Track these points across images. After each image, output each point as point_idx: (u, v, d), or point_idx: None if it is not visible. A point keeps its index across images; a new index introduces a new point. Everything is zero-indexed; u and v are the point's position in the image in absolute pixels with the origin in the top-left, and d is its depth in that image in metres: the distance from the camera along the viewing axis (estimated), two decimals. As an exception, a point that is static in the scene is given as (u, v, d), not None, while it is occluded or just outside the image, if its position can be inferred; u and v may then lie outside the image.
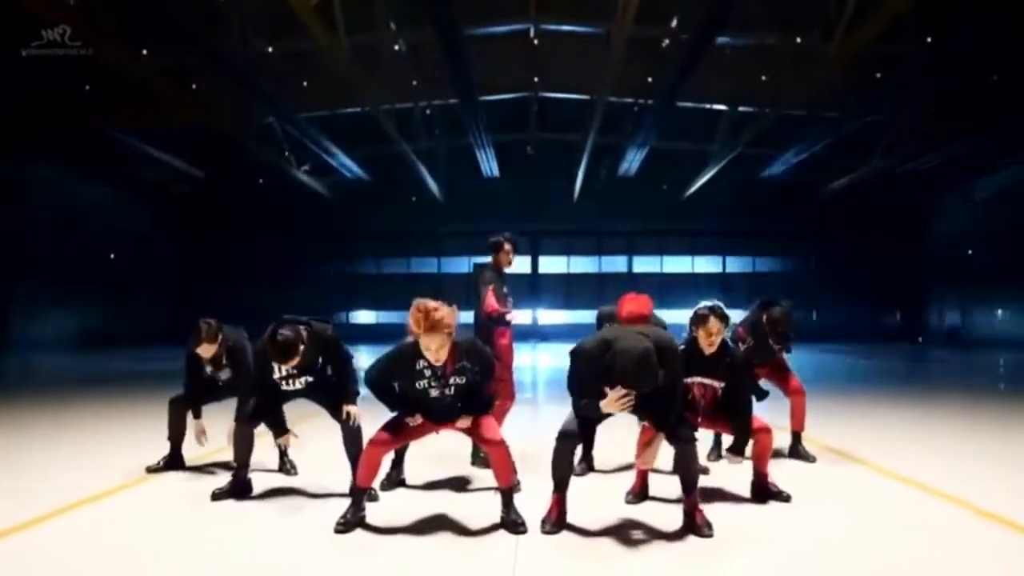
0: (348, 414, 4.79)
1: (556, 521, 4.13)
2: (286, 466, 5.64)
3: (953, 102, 22.61)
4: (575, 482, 5.17)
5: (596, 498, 4.72)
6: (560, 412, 6.53)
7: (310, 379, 4.94)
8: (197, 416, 5.66)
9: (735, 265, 36.59)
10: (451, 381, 4.26)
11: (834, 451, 6.19)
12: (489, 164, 31.69)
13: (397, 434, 4.34)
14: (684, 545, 3.77)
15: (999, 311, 30.73)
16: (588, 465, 5.65)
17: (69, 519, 4.22)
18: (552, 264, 36.28)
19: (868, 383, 12.78)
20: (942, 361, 19.42)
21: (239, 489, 4.91)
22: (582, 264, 36.35)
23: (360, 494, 4.31)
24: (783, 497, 4.73)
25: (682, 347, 4.44)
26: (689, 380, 4.60)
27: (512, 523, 4.15)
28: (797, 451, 5.95)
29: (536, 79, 26.39)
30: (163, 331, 32.43)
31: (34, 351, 24.53)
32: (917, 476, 5.21)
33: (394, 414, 4.38)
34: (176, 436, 5.68)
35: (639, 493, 4.85)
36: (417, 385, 4.26)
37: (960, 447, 6.50)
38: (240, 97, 22.07)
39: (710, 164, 29.63)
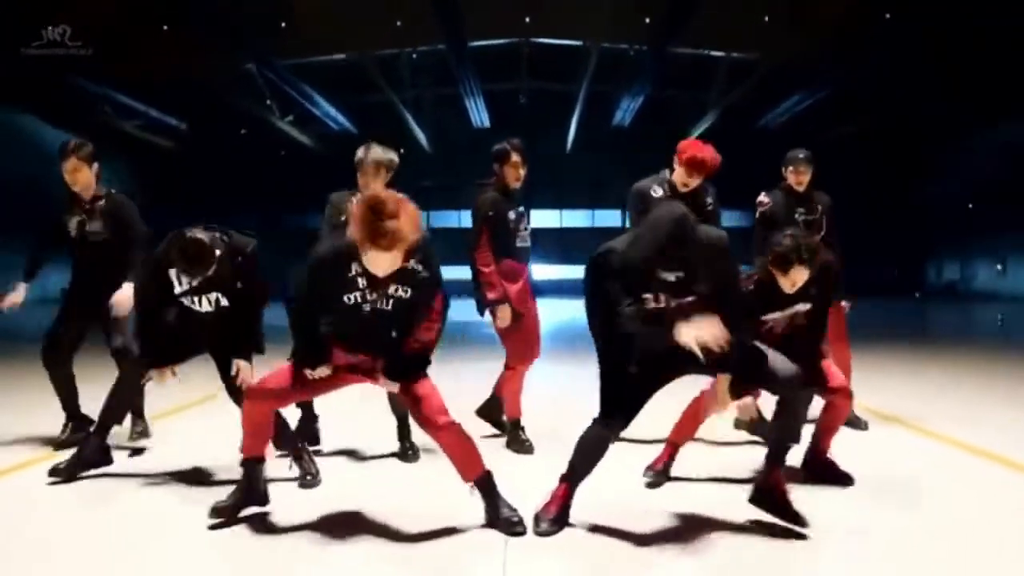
0: (238, 370, 3.66)
1: (556, 518, 3.14)
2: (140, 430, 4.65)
3: (963, 46, 21.66)
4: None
5: (604, 478, 3.41)
6: (556, 372, 5.73)
7: (223, 303, 3.79)
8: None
9: (732, 219, 35.74)
10: (391, 291, 3.03)
11: (876, 413, 5.40)
12: (479, 114, 30.75)
13: (294, 386, 3.15)
14: (729, 541, 3.01)
15: (998, 265, 30.22)
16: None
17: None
18: (545, 218, 35.47)
19: (876, 338, 12.16)
20: (943, 316, 18.87)
21: (96, 459, 3.87)
22: (575, 218, 35.59)
23: (252, 467, 3.19)
24: (846, 480, 3.71)
25: (751, 282, 3.50)
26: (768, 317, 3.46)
27: (506, 521, 3.09)
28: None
29: (527, 20, 25.29)
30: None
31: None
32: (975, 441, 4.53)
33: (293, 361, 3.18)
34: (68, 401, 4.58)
35: (663, 470, 3.83)
36: (346, 299, 3.03)
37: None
38: (215, 40, 20.98)
39: (707, 114, 28.78)
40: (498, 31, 26.01)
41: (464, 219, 36.91)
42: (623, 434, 3.18)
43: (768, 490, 3.10)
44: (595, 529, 3.15)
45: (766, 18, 21.44)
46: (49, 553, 2.89)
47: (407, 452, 4.27)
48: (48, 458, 4.17)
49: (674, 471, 3.86)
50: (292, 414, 4.16)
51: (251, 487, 3.20)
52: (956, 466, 4.18)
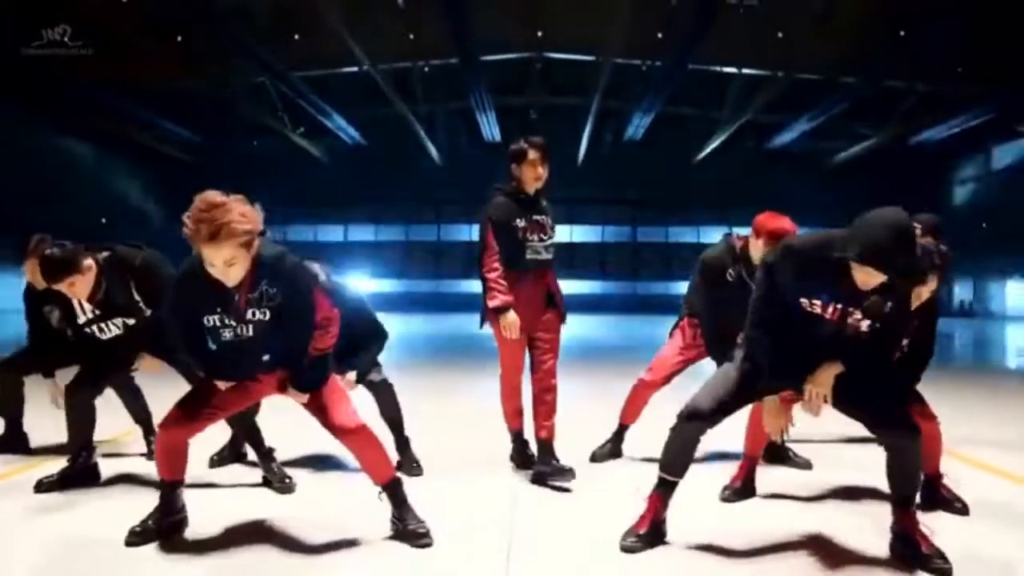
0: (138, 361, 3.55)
1: (648, 532, 3.01)
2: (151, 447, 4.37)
3: (979, 60, 21.48)
4: (605, 469, 4.35)
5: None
6: (580, 387, 5.53)
7: (128, 320, 3.73)
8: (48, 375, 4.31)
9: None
10: (247, 316, 2.89)
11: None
12: (490, 128, 30.73)
13: (197, 407, 3.00)
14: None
15: (1011, 283, 29.97)
16: (615, 449, 4.65)
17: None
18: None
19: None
20: (961, 337, 18.62)
21: (81, 475, 3.78)
22: (585, 233, 35.45)
23: (168, 490, 3.05)
24: (958, 507, 3.49)
25: None
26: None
27: (411, 533, 3.00)
28: None
29: (540, 34, 25.27)
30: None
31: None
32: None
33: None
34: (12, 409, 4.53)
35: (742, 488, 3.72)
36: (206, 321, 2.91)
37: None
38: (229, 52, 21.05)
39: (718, 131, 28.68)
40: (510, 46, 26.03)
41: (474, 233, 37.00)
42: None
43: (903, 533, 2.90)
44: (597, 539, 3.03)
45: (780, 34, 21.30)
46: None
47: (407, 463, 4.19)
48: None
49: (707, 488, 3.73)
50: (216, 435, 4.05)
51: (168, 508, 3.07)
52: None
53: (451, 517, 3.31)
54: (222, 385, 3.01)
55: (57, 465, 3.90)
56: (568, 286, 4.11)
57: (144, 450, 4.42)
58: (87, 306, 3.66)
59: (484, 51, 22.74)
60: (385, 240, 36.09)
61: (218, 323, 2.91)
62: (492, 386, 4.36)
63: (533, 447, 4.15)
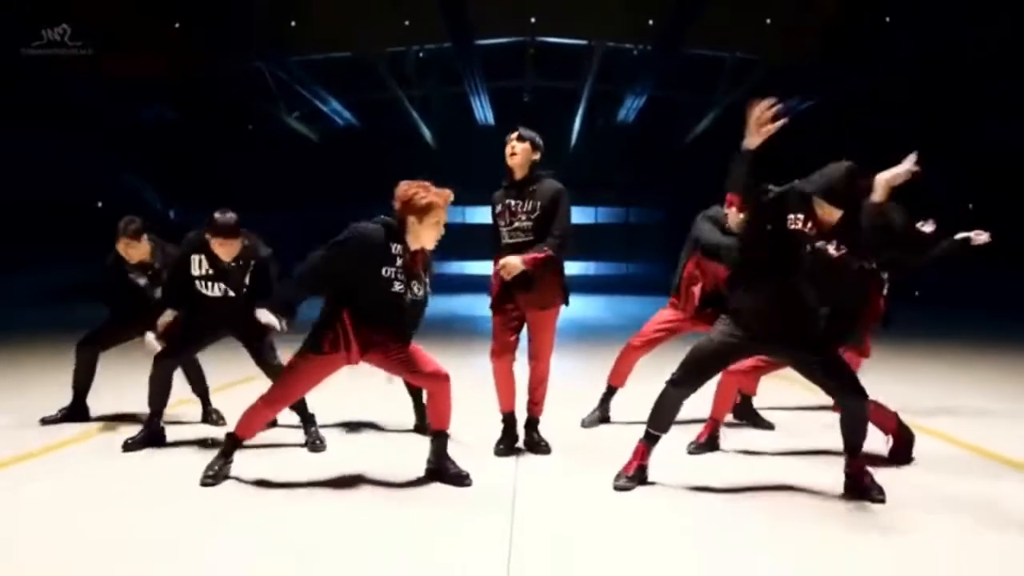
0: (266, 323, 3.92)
1: (634, 474, 3.70)
2: (211, 416, 5.16)
3: (966, 49, 21.84)
4: (599, 433, 4.85)
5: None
6: (575, 364, 6.04)
7: (231, 293, 4.41)
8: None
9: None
10: (415, 279, 3.67)
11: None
12: (484, 111, 30.99)
13: (308, 376, 3.68)
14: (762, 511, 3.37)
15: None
16: (603, 414, 5.15)
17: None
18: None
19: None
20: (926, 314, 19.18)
21: (153, 439, 4.42)
22: (578, 214, 35.67)
23: (236, 444, 3.77)
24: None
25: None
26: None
27: (454, 476, 3.76)
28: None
29: (533, 20, 25.52)
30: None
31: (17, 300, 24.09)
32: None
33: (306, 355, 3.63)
34: (82, 384, 5.15)
35: (706, 444, 4.39)
36: (383, 272, 3.57)
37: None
38: (226, 38, 21.23)
39: (710, 113, 29.00)
40: (504, 30, 26.24)
41: (468, 215, 37.30)
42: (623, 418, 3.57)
43: (852, 473, 3.59)
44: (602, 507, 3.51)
45: (768, 20, 21.62)
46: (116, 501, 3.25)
47: (425, 427, 4.51)
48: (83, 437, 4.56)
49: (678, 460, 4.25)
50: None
51: (227, 458, 3.82)
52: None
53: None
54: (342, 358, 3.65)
55: (118, 430, 4.73)
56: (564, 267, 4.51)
57: (199, 418, 5.13)
58: (205, 263, 4.39)
59: (478, 36, 22.98)
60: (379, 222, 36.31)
61: (393, 276, 3.62)
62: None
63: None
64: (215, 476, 3.67)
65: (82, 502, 3.48)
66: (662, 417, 3.65)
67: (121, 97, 26.24)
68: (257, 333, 4.22)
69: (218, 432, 4.77)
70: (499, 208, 4.40)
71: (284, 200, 35.14)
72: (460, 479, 3.73)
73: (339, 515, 3.33)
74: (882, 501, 3.41)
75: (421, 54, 27.02)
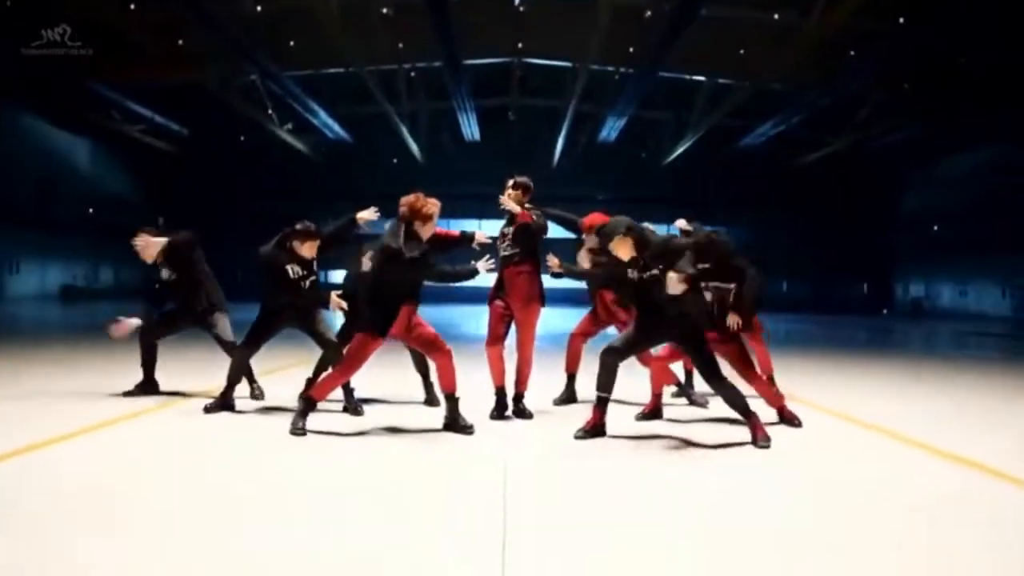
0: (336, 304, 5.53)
1: (592, 429, 4.87)
2: (255, 392, 6.18)
3: (923, 81, 23.26)
4: (569, 408, 5.89)
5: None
6: (557, 373, 7.03)
7: (313, 278, 5.71)
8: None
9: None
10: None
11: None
12: (471, 128, 31.99)
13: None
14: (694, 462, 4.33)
15: (961, 285, 31.81)
16: (570, 396, 6.26)
17: (85, 440, 4.70)
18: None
19: (841, 348, 13.49)
20: (903, 332, 20.28)
21: (228, 405, 5.59)
22: (559, 230, 36.67)
23: (308, 406, 4.91)
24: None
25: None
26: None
27: (461, 428, 4.98)
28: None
29: (520, 44, 26.64)
30: (141, 288, 32.65)
31: (15, 304, 24.71)
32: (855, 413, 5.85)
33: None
34: (147, 363, 6.25)
35: (651, 414, 5.56)
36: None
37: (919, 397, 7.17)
38: (227, 54, 22.12)
39: (688, 134, 30.17)
40: (492, 51, 27.31)
41: (454, 227, 37.91)
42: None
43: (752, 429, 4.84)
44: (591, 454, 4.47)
45: (741, 51, 22.84)
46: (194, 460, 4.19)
47: (435, 400, 5.91)
48: (154, 409, 5.52)
49: (641, 428, 5.26)
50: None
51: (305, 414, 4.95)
52: (847, 434, 5.54)
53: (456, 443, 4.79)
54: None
55: (182, 402, 5.93)
56: (546, 280, 5.70)
57: (248, 394, 6.15)
58: (296, 268, 5.62)
59: (467, 56, 24.00)
60: (366, 234, 37.04)
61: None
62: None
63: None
64: (301, 428, 4.79)
65: (191, 446, 4.46)
66: (605, 380, 4.87)
67: (118, 105, 27.04)
68: (316, 319, 5.68)
69: (262, 403, 6.07)
70: (499, 233, 5.73)
71: (275, 209, 35.91)
72: (467, 429, 4.97)
73: (373, 459, 4.30)
74: (766, 447, 4.64)
75: (413, 73, 28.00)
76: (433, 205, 4.91)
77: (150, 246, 5.97)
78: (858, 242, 36.07)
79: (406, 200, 4.92)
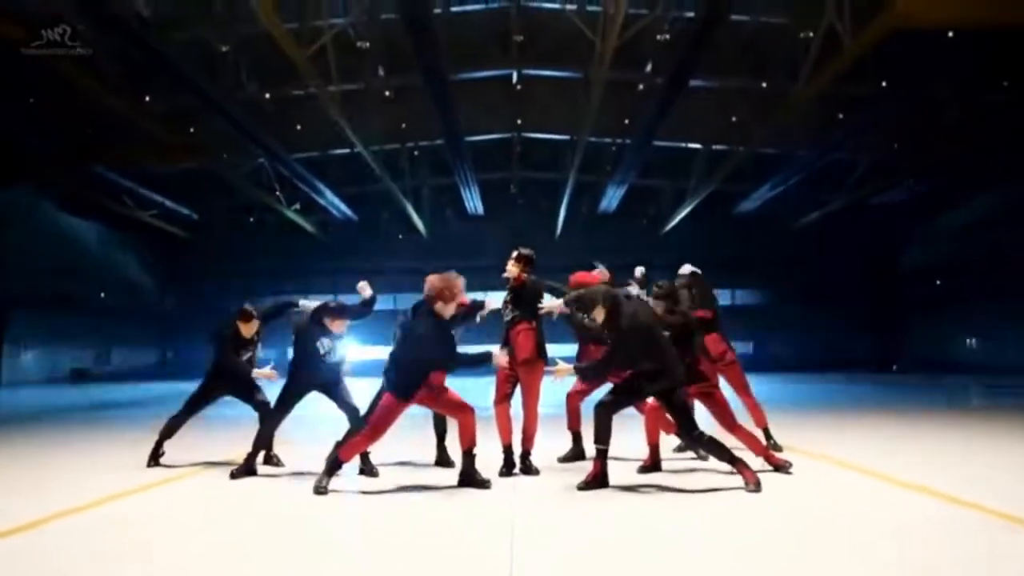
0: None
1: (596, 480, 5.15)
2: (272, 459, 6.47)
3: (913, 140, 23.88)
4: (574, 465, 6.12)
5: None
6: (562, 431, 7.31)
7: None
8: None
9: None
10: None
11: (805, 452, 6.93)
12: (474, 202, 32.64)
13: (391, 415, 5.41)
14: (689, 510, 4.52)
15: (970, 339, 31.82)
16: (577, 452, 6.49)
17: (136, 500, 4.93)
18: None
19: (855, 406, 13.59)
20: (914, 386, 20.32)
21: (251, 470, 5.93)
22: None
23: (334, 467, 5.28)
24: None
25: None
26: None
27: (478, 482, 5.29)
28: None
29: (519, 121, 27.50)
30: (152, 370, 33.03)
31: (22, 387, 24.96)
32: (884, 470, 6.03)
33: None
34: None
35: (651, 466, 5.81)
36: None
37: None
38: (235, 140, 22.92)
39: (687, 200, 30.72)
40: (492, 128, 28.17)
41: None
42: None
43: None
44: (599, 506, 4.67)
45: (733, 118, 23.56)
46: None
47: (446, 461, 6.31)
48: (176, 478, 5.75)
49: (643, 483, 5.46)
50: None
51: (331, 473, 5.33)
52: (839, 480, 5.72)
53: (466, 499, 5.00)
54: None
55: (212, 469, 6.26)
56: (550, 348, 6.08)
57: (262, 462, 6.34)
58: (327, 341, 6.06)
59: (467, 133, 24.77)
60: (375, 309, 37.40)
61: None
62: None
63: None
64: (324, 488, 5.14)
65: (217, 511, 4.67)
66: (600, 433, 5.16)
67: (130, 191, 27.79)
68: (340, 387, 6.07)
69: (278, 469, 6.34)
70: (503, 301, 6.22)
71: (284, 288, 36.44)
72: (484, 483, 5.28)
73: (387, 514, 4.51)
74: (756, 491, 4.89)
75: (416, 152, 28.82)
76: (458, 288, 5.36)
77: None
78: (862, 300, 36.20)
79: (432, 280, 5.38)
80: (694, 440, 5.17)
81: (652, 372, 5.17)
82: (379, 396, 5.95)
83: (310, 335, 6.00)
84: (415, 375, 5.20)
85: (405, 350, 5.32)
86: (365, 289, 6.21)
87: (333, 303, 6.13)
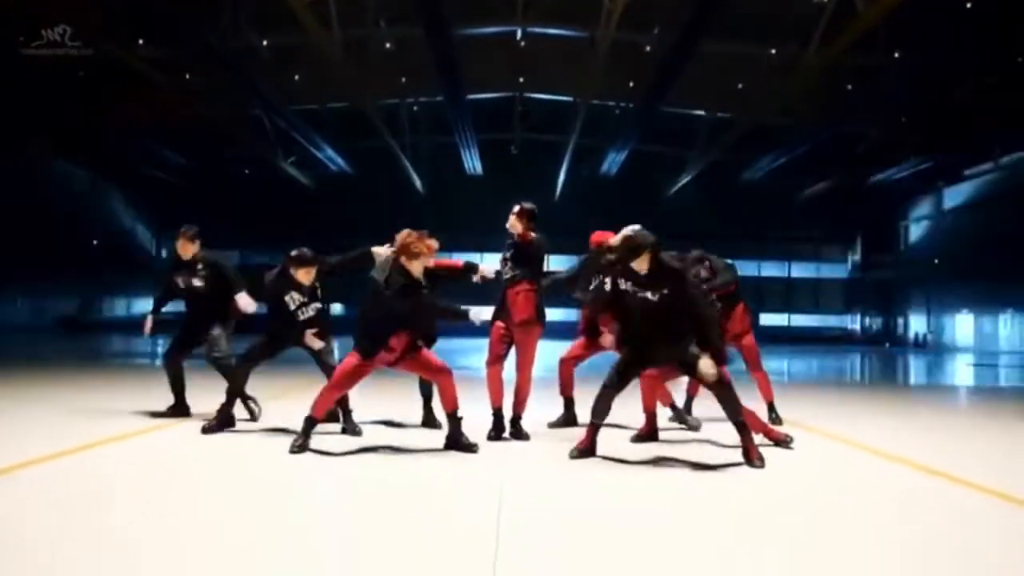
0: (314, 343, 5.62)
1: (585, 449, 4.89)
2: (250, 405, 6.13)
3: (920, 115, 23.52)
4: (566, 431, 5.93)
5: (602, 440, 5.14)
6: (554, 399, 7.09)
7: (318, 305, 5.76)
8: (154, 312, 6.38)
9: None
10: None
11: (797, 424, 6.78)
12: (472, 162, 32.28)
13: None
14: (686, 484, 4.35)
15: (964, 318, 31.82)
16: (569, 418, 6.25)
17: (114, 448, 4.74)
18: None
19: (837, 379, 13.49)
20: (903, 364, 20.27)
21: (225, 422, 5.59)
22: (561, 263, 36.76)
23: (314, 424, 5.01)
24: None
25: None
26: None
27: (465, 446, 5.02)
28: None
29: (521, 80, 27.02)
30: (140, 319, 32.87)
31: (16, 333, 24.76)
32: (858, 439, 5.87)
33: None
34: (177, 389, 6.29)
35: (647, 435, 5.56)
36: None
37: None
38: (232, 89, 22.45)
39: (689, 168, 30.41)
40: (494, 86, 27.68)
41: (456, 258, 37.98)
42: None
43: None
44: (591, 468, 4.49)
45: (740, 86, 23.13)
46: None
47: (432, 422, 6.01)
48: (158, 427, 5.53)
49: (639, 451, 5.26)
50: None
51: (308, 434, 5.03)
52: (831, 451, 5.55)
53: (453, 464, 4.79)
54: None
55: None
56: (549, 312, 5.79)
57: (247, 416, 6.06)
58: (297, 296, 5.65)
59: (469, 90, 24.34)
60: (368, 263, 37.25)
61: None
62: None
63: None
64: (299, 446, 4.88)
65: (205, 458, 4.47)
66: (599, 408, 4.91)
67: (125, 140, 27.35)
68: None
69: (255, 424, 6.02)
70: (500, 259, 5.85)
71: (276, 242, 36.08)
72: (470, 447, 5.04)
73: (370, 476, 4.32)
74: (760, 467, 4.62)
75: (415, 107, 28.36)
76: (423, 244, 5.00)
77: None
78: (859, 275, 36.15)
79: (399, 236, 5.07)
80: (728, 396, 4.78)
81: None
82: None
83: (277, 289, 5.64)
84: (376, 336, 4.94)
85: (368, 308, 5.05)
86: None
87: (297, 252, 5.69)
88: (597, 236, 6.06)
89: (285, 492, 3.95)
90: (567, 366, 6.39)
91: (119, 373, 11.64)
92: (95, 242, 31.54)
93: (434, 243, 5.11)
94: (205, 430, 5.49)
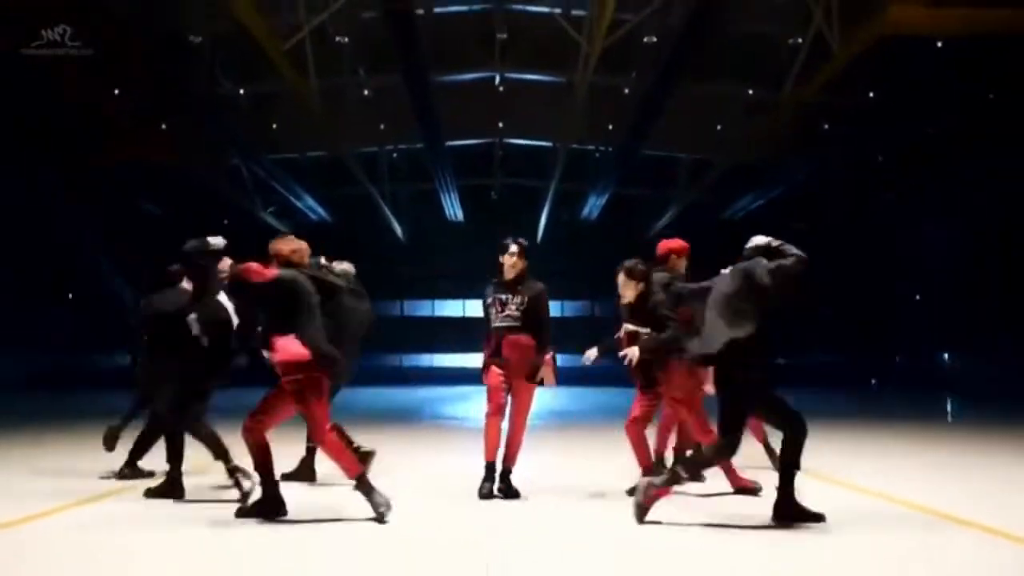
0: None
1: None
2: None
3: (897, 154, 23.68)
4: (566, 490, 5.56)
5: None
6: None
7: None
8: None
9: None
10: None
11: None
12: (453, 208, 32.14)
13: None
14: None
15: (948, 355, 31.71)
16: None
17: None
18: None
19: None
20: (891, 404, 20.09)
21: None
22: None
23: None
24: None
25: None
26: None
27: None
28: None
29: (501, 125, 27.05)
30: (126, 375, 32.06)
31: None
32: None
33: None
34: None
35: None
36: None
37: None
38: (209, 138, 22.24)
39: (670, 209, 30.41)
40: (473, 132, 27.70)
41: (437, 308, 37.49)
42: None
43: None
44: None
45: (719, 127, 23.25)
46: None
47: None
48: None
49: None
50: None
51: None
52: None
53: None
54: None
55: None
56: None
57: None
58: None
59: (448, 137, 24.28)
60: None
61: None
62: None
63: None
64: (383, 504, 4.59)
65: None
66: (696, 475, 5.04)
67: (104, 190, 26.92)
68: None
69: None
70: (490, 299, 5.54)
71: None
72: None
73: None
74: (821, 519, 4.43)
75: (395, 154, 28.28)
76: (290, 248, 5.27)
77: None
78: (846, 314, 36.01)
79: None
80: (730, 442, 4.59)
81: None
82: None
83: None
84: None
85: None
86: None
87: None
88: (664, 245, 6.34)
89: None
90: (636, 431, 5.66)
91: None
92: (70, 296, 30.88)
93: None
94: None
